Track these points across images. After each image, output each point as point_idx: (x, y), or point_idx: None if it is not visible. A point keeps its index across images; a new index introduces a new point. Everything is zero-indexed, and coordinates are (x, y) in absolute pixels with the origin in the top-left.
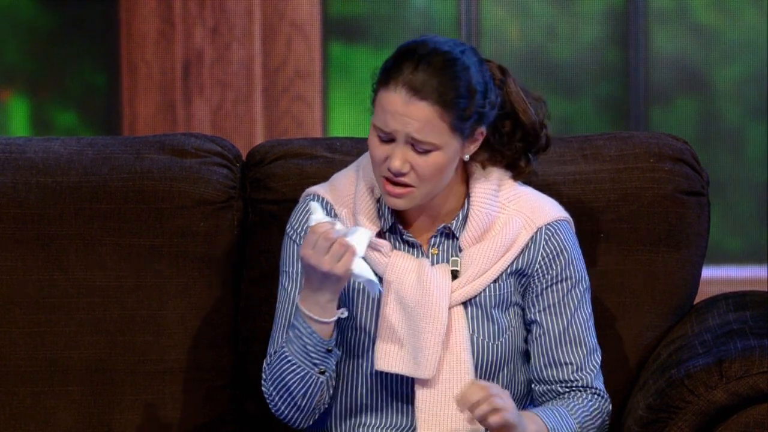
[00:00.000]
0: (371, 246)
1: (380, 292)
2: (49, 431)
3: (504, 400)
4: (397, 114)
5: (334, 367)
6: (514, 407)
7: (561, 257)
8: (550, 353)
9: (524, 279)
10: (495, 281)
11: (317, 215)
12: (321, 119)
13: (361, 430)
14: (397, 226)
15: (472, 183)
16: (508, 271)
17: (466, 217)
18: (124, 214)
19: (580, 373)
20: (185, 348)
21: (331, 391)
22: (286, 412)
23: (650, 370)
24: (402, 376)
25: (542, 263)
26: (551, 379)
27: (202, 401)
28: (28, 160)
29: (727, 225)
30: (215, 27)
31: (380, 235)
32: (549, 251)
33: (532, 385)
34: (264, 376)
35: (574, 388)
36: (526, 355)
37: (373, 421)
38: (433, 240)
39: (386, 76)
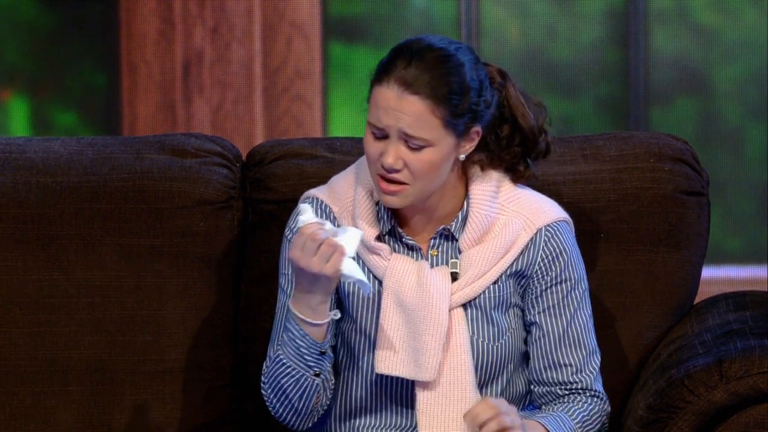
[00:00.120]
0: (371, 249)
1: (371, 292)
2: (49, 431)
3: (512, 417)
4: (390, 109)
5: (329, 369)
6: (522, 424)
7: (561, 258)
8: (549, 355)
9: (524, 280)
10: (495, 283)
11: (305, 216)
12: (321, 119)
13: (361, 431)
14: (396, 229)
15: (471, 184)
16: (508, 272)
17: (465, 219)
18: (124, 214)
19: (579, 375)
20: (185, 348)
21: (329, 393)
22: (284, 414)
23: (650, 370)
24: (402, 378)
25: (542, 264)
26: (551, 380)
27: (202, 401)
28: (28, 160)
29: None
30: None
31: (379, 238)
32: (549, 252)
33: (531, 386)
34: (263, 379)
35: (573, 391)
36: (526, 357)
37: (373, 422)
38: (432, 242)
39: (380, 73)
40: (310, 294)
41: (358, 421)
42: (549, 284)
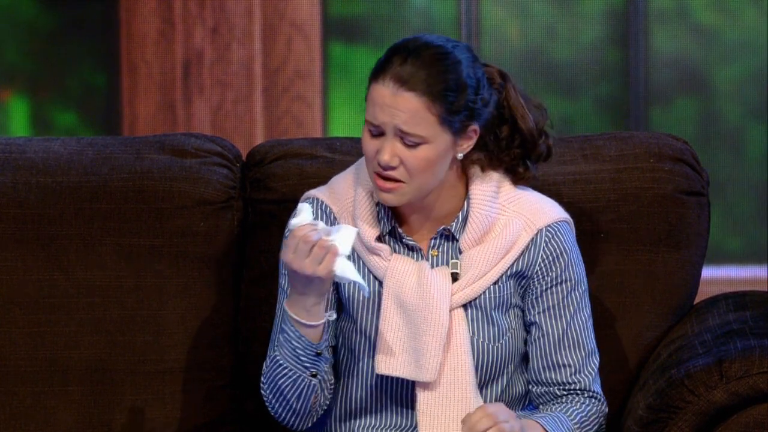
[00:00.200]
0: (371, 250)
1: (369, 291)
2: (49, 431)
3: (511, 424)
4: (385, 106)
5: (327, 369)
6: (521, 426)
7: (561, 259)
8: (548, 355)
9: (524, 281)
10: (495, 283)
11: (297, 219)
12: (321, 119)
13: (362, 431)
14: (396, 230)
15: (471, 184)
16: (508, 273)
17: (465, 219)
18: (124, 214)
19: (578, 376)
20: (185, 348)
21: (327, 393)
22: (282, 414)
23: (650, 370)
24: (403, 379)
25: (542, 265)
26: (549, 381)
27: (202, 401)
28: (28, 160)
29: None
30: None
31: (380, 238)
32: (549, 253)
33: (530, 386)
34: (262, 379)
35: (571, 392)
36: (526, 357)
37: (374, 423)
38: (432, 242)
39: (376, 70)
40: (305, 296)
41: (358, 421)
42: (549, 285)
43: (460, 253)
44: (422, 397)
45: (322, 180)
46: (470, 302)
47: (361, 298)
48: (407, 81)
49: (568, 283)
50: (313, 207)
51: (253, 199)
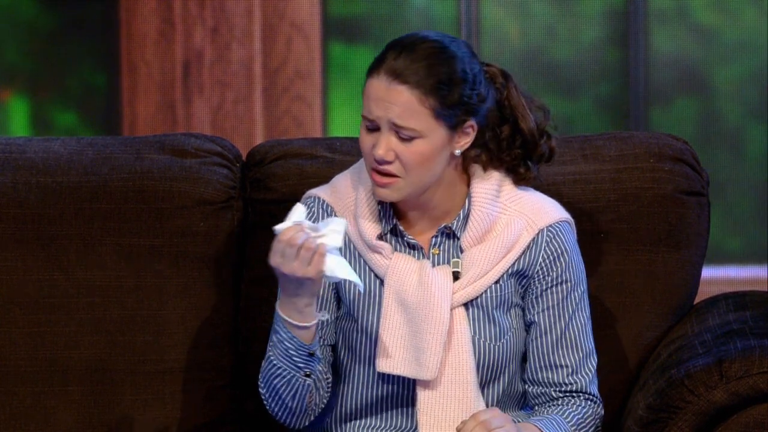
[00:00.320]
0: (373, 248)
1: (362, 286)
2: (49, 431)
3: (506, 429)
4: (379, 99)
5: (321, 369)
6: (518, 429)
7: (562, 259)
8: (546, 355)
9: (525, 280)
10: (496, 282)
11: (288, 221)
12: (321, 119)
13: (362, 431)
14: (398, 228)
15: (473, 183)
16: (509, 272)
17: (467, 217)
18: (124, 214)
19: (575, 377)
20: (185, 348)
21: (323, 392)
22: (279, 413)
23: (650, 370)
24: (403, 378)
25: (543, 265)
26: (546, 381)
27: (202, 401)
28: (28, 160)
29: (727, 225)
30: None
31: (381, 237)
32: (550, 253)
33: (526, 386)
34: (259, 378)
35: (568, 394)
36: (525, 357)
37: (374, 423)
38: (433, 240)
39: (372, 66)
40: (297, 297)
41: (359, 421)
42: (549, 285)
43: (462, 252)
44: (423, 396)
45: (322, 180)
46: (471, 301)
47: (361, 297)
48: (400, 74)
49: (568, 284)
50: (314, 206)
51: (253, 199)
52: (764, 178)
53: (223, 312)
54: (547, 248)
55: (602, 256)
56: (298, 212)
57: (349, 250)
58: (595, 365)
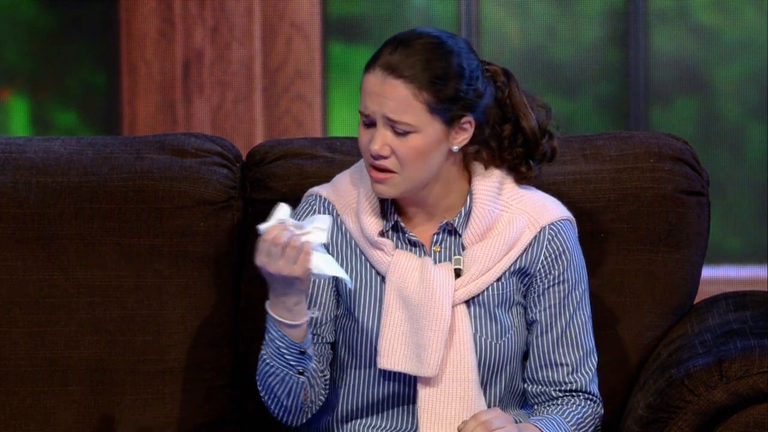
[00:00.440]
0: (374, 245)
1: (350, 282)
2: (49, 431)
3: (508, 429)
4: (374, 94)
5: (315, 366)
6: (519, 429)
7: (563, 258)
8: (546, 354)
9: (526, 278)
10: (498, 280)
11: (272, 220)
12: (321, 119)
13: (363, 431)
14: (399, 225)
15: (474, 180)
16: (511, 269)
17: (468, 214)
18: (124, 214)
19: (575, 375)
20: (185, 348)
21: (319, 390)
22: (275, 411)
23: (650, 369)
24: (405, 376)
25: (544, 263)
26: (546, 380)
27: (202, 401)
28: (28, 160)
29: (727, 225)
30: (215, 27)
31: (383, 234)
32: (552, 251)
33: (526, 385)
34: (256, 376)
35: (567, 393)
36: (526, 355)
37: (376, 422)
38: (435, 237)
39: (369, 62)
40: (287, 296)
41: (360, 420)
42: (550, 283)
43: (463, 249)
44: (424, 394)
45: (322, 180)
46: (473, 299)
47: (362, 294)
48: (395, 69)
49: (569, 283)
50: (316, 204)
51: (253, 199)
52: (764, 178)
53: (223, 312)
54: (548, 246)
55: (602, 256)
56: (282, 211)
57: (351, 246)
58: (595, 364)
